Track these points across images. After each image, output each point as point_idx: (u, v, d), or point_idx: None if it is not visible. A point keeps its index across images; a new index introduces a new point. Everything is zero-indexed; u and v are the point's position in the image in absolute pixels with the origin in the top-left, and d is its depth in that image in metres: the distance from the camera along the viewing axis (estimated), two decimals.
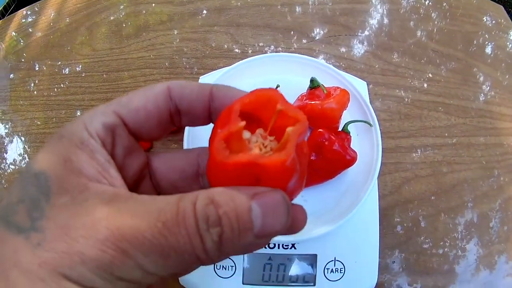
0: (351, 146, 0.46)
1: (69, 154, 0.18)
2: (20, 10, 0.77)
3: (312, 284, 0.45)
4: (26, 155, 0.60)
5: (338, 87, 0.48)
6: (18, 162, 0.60)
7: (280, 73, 0.53)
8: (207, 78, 0.55)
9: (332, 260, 0.45)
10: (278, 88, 0.49)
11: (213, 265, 0.45)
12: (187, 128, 0.48)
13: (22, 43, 0.72)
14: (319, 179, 0.46)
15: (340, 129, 0.47)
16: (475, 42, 0.68)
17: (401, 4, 0.72)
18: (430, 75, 0.63)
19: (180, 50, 0.67)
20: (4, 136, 0.62)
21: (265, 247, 0.45)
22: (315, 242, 0.45)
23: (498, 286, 0.50)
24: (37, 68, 0.67)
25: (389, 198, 0.53)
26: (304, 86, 0.50)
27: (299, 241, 0.44)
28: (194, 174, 0.25)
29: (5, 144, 0.61)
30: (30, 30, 0.73)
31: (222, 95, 0.22)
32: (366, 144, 0.48)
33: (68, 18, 0.73)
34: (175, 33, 0.69)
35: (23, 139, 0.61)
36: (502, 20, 0.72)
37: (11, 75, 0.67)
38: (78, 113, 0.62)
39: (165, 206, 0.17)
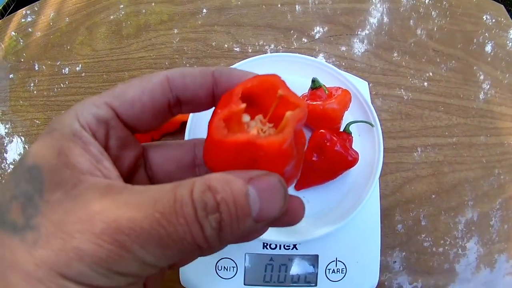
0: (353, 146, 0.46)
1: (62, 147, 0.18)
2: (19, 10, 0.77)
3: (313, 284, 0.45)
4: None
5: (339, 88, 0.48)
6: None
7: (281, 73, 0.51)
8: None
9: (334, 261, 0.45)
10: None
11: (214, 265, 0.45)
12: (188, 127, 0.48)
13: (21, 43, 0.71)
14: (320, 179, 0.46)
15: (341, 129, 0.47)
16: (475, 40, 0.68)
17: (401, 2, 0.72)
18: (431, 75, 0.63)
19: (180, 50, 0.66)
20: (4, 136, 0.62)
21: (267, 248, 0.45)
22: (316, 242, 0.45)
23: (498, 285, 0.50)
24: (36, 68, 0.67)
25: (391, 198, 0.53)
26: (305, 86, 0.50)
27: (301, 241, 0.44)
28: (190, 165, 0.25)
29: (5, 144, 0.61)
30: (30, 30, 0.73)
31: (226, 80, 0.22)
32: (367, 145, 0.48)
33: (68, 18, 0.73)
34: (175, 32, 0.69)
35: (23, 139, 0.61)
36: (502, 19, 0.72)
37: (11, 76, 0.67)
38: None
39: (161, 195, 0.16)
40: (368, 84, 0.56)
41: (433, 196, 0.53)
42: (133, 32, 0.69)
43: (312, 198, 0.46)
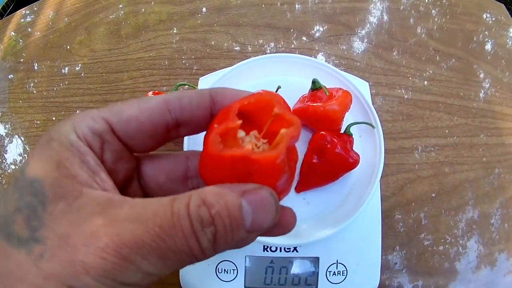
0: (354, 148, 0.46)
1: (60, 158, 0.18)
2: (18, 10, 0.76)
3: (314, 287, 0.45)
4: (26, 155, 0.60)
5: (340, 88, 0.47)
6: (18, 162, 0.59)
7: (281, 74, 0.52)
8: (207, 79, 0.55)
9: (334, 263, 0.45)
10: (279, 90, 0.49)
11: (214, 268, 0.45)
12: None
13: (21, 43, 0.71)
14: (321, 181, 0.46)
15: (342, 131, 0.46)
16: (475, 39, 0.68)
17: (401, 1, 0.72)
18: (432, 75, 0.63)
19: (179, 50, 0.66)
20: (4, 136, 0.62)
21: (267, 250, 0.45)
22: (317, 245, 0.45)
23: (498, 284, 0.50)
24: (36, 69, 0.67)
25: (392, 199, 0.53)
26: (305, 87, 0.49)
27: (301, 244, 0.44)
28: (182, 177, 0.25)
29: (5, 144, 0.61)
30: (29, 30, 0.73)
31: (222, 98, 0.22)
32: (368, 146, 0.48)
33: (67, 18, 0.73)
34: (175, 32, 0.68)
35: (23, 139, 0.61)
36: (502, 18, 0.72)
37: (10, 76, 0.67)
38: None
39: (160, 209, 0.17)
40: (369, 84, 0.56)
41: (434, 197, 0.53)
42: (132, 32, 0.69)
43: (313, 200, 0.46)
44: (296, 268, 0.45)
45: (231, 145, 0.20)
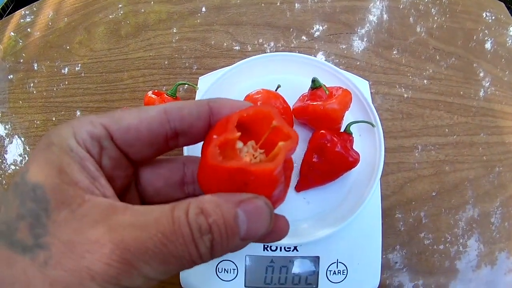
0: (354, 147, 0.45)
1: (61, 164, 0.19)
2: (18, 10, 0.77)
3: (314, 286, 0.45)
4: (26, 155, 0.60)
5: (340, 87, 0.47)
6: (18, 162, 0.59)
7: (281, 73, 0.52)
8: (207, 79, 0.55)
9: (335, 262, 0.45)
10: (279, 88, 0.49)
11: (215, 268, 0.45)
12: None
13: (20, 44, 0.71)
14: (321, 180, 0.45)
15: (342, 129, 0.46)
16: (475, 38, 0.68)
17: (401, 0, 0.72)
18: (432, 73, 0.63)
19: (179, 50, 0.66)
20: (4, 137, 0.62)
21: (267, 250, 0.45)
22: (317, 244, 0.45)
23: (499, 283, 0.50)
24: (36, 69, 0.67)
25: (392, 198, 0.53)
26: (305, 85, 0.49)
27: (302, 243, 0.44)
28: (179, 183, 0.26)
29: (5, 144, 0.61)
30: (29, 30, 0.73)
31: (220, 108, 0.23)
32: (368, 145, 0.47)
33: (66, 18, 0.73)
34: (174, 32, 0.68)
35: (23, 139, 0.61)
36: (502, 16, 0.72)
37: (10, 76, 0.67)
38: (78, 114, 0.62)
39: (161, 216, 0.18)
40: (368, 82, 0.56)
41: (435, 196, 0.53)
42: (132, 31, 0.69)
43: (313, 199, 0.46)
44: (296, 268, 0.45)
45: (229, 156, 0.21)
